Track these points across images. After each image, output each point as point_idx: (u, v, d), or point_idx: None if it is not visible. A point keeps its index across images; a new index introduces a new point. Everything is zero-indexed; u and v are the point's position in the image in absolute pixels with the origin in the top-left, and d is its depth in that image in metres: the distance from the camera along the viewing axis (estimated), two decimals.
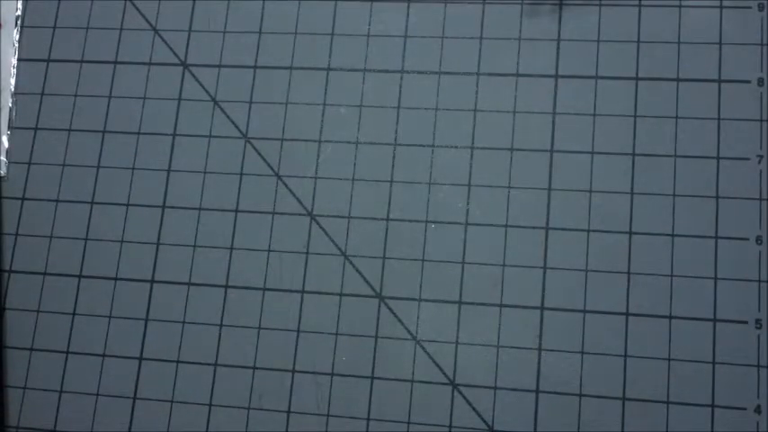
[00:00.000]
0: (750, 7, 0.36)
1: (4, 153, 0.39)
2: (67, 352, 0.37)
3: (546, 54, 0.37)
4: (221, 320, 0.36)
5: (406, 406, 0.34)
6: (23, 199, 0.38)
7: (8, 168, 0.39)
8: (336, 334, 0.35)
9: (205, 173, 0.38)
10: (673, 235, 0.34)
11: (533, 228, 0.35)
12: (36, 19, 0.40)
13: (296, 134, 0.37)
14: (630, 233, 0.34)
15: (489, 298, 0.35)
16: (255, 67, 0.38)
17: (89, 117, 0.39)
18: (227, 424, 0.35)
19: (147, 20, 0.40)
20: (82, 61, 0.40)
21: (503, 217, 0.35)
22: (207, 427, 0.35)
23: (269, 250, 0.36)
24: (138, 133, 0.38)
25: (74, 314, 0.37)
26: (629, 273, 0.34)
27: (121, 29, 0.40)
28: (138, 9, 0.40)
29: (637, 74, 0.36)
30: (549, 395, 0.34)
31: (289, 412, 0.35)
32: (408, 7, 0.38)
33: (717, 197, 0.34)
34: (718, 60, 0.35)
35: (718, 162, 0.35)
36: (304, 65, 0.38)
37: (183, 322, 0.36)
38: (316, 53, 0.38)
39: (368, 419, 0.34)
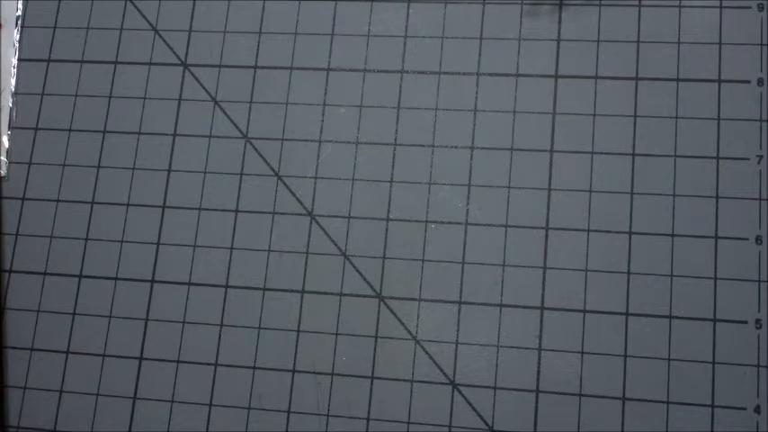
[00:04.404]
0: (750, 7, 0.36)
1: (4, 153, 0.39)
2: (67, 352, 0.37)
3: (546, 54, 0.37)
4: (221, 320, 0.36)
5: (406, 406, 0.34)
6: (23, 199, 0.38)
7: (8, 168, 0.39)
8: (336, 334, 0.35)
9: (205, 173, 0.38)
10: (673, 235, 0.34)
11: (533, 228, 0.35)
12: (36, 19, 0.40)
13: (296, 134, 0.37)
14: (630, 233, 0.34)
15: (489, 298, 0.35)
16: (255, 67, 0.38)
17: (89, 117, 0.39)
18: (227, 424, 0.35)
19: (147, 20, 0.40)
20: (82, 61, 0.40)
21: (503, 217, 0.35)
22: (207, 427, 0.35)
23: (269, 250, 0.36)
24: (139, 133, 0.38)
25: (74, 314, 0.37)
26: (629, 273, 0.34)
27: (121, 29, 0.40)
28: (138, 9, 0.40)
29: (637, 74, 0.36)
30: (549, 395, 0.34)
31: (289, 412, 0.35)
32: (408, 7, 0.38)
33: (717, 197, 0.34)
34: (718, 60, 0.35)
35: (717, 162, 0.35)
36: (304, 65, 0.38)
37: (183, 322, 0.36)
38: (316, 53, 0.38)
39: (368, 419, 0.34)
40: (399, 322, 0.35)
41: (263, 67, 0.38)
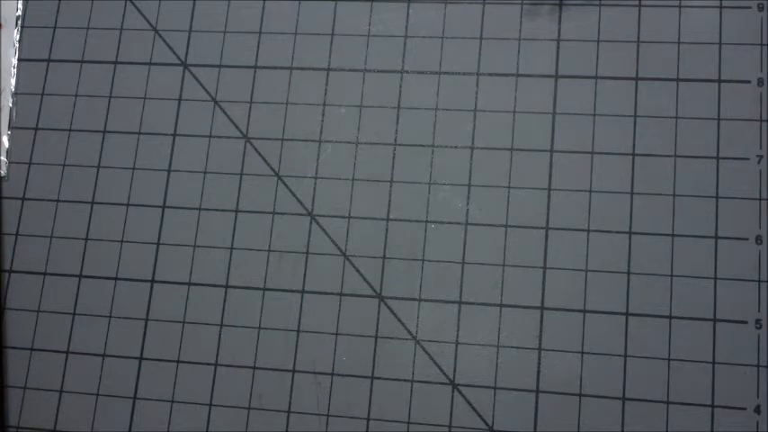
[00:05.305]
0: (750, 7, 0.36)
1: (4, 153, 0.39)
2: (67, 352, 0.37)
3: (546, 54, 0.37)
4: (221, 320, 0.36)
5: (406, 406, 0.34)
6: (23, 199, 0.39)
7: (8, 168, 0.39)
8: (336, 334, 0.35)
9: (205, 173, 0.38)
10: (673, 235, 0.34)
11: (533, 228, 0.35)
12: (36, 19, 0.40)
13: (296, 134, 0.37)
14: (630, 233, 0.34)
15: (489, 298, 0.35)
16: (255, 67, 0.38)
17: (89, 117, 0.39)
18: (227, 424, 0.35)
19: (147, 20, 0.40)
20: (82, 61, 0.40)
21: (503, 217, 0.35)
22: (207, 427, 0.35)
23: (269, 250, 0.36)
24: (139, 133, 0.38)
25: (74, 314, 0.37)
26: (629, 273, 0.34)
27: (121, 29, 0.40)
28: (138, 9, 0.40)
29: (637, 74, 0.36)
30: (549, 395, 0.34)
31: (289, 412, 0.35)
32: (408, 7, 0.38)
33: (717, 197, 0.34)
34: (718, 60, 0.35)
35: (717, 162, 0.35)
36: (304, 65, 0.38)
37: (183, 322, 0.36)
38: (316, 53, 0.38)
39: (368, 419, 0.34)
40: (399, 322, 0.35)
41: (263, 67, 0.38)
